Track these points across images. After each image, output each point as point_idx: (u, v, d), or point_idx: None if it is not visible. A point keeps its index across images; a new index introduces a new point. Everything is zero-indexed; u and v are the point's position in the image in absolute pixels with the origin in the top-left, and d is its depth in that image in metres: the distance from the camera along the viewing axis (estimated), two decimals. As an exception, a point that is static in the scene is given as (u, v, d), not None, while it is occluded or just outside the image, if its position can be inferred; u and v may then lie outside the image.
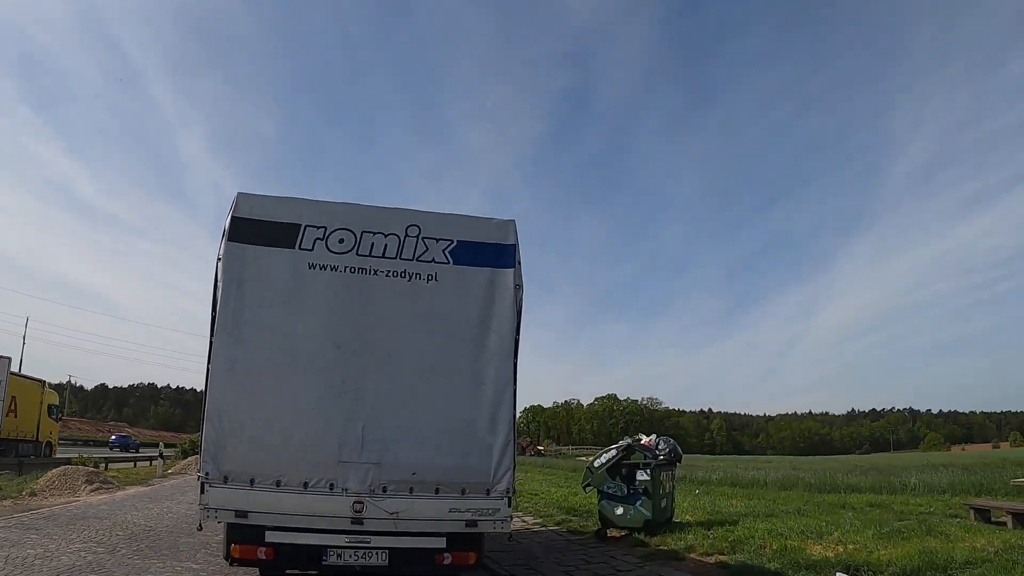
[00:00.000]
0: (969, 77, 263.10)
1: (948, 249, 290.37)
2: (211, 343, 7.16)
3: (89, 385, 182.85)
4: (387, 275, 7.53)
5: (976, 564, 8.62)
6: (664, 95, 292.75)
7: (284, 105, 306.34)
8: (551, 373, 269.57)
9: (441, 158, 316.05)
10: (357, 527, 6.93)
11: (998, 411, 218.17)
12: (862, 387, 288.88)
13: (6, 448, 32.76)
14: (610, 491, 12.50)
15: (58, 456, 36.22)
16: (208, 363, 7.13)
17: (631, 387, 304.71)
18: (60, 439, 45.40)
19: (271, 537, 6.87)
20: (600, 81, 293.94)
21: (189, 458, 40.62)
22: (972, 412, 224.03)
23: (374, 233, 7.61)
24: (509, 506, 7.35)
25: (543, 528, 14.66)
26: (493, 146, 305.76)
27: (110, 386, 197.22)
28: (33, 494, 19.74)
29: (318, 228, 7.52)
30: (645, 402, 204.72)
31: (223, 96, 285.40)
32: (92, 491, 21.37)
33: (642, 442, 13.03)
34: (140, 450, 64.58)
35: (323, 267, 7.43)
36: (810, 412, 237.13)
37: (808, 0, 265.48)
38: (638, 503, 12.16)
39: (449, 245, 7.73)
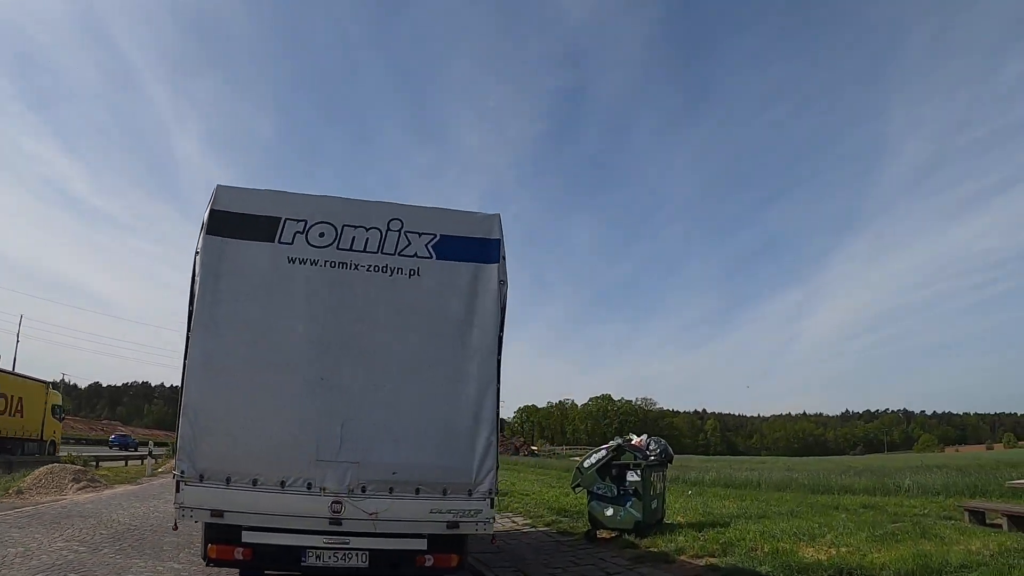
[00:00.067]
0: (966, 79, 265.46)
1: (943, 250, 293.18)
2: (187, 338, 6.99)
3: (83, 384, 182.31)
4: (368, 270, 7.34)
5: (971, 568, 8.46)
6: (661, 95, 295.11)
7: (281, 104, 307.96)
8: (546, 373, 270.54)
9: (438, 157, 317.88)
10: (336, 528, 6.75)
11: (992, 413, 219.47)
12: (856, 388, 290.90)
13: (12, 446, 33.20)
14: (600, 492, 12.32)
15: (61, 455, 36.22)
16: (184, 358, 6.96)
17: (626, 387, 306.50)
18: (62, 438, 45.66)
19: (248, 537, 6.69)
20: (597, 81, 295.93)
21: (178, 457, 40.19)
22: (966, 413, 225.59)
23: (355, 227, 7.42)
24: (492, 507, 7.15)
25: (533, 529, 14.47)
26: (490, 145, 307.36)
27: (104, 385, 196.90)
28: (20, 492, 19.56)
29: (298, 221, 7.33)
30: (639, 402, 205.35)
31: (220, 95, 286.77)
32: (79, 489, 21.22)
33: (632, 442, 12.88)
34: (139, 449, 64.46)
35: (303, 261, 7.24)
36: (804, 413, 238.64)
37: (804, 1, 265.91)
38: (628, 504, 11.99)
39: (432, 239, 7.53)
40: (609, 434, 14.25)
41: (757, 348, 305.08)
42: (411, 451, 7.00)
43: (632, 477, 11.99)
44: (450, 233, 7.61)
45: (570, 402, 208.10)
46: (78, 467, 24.92)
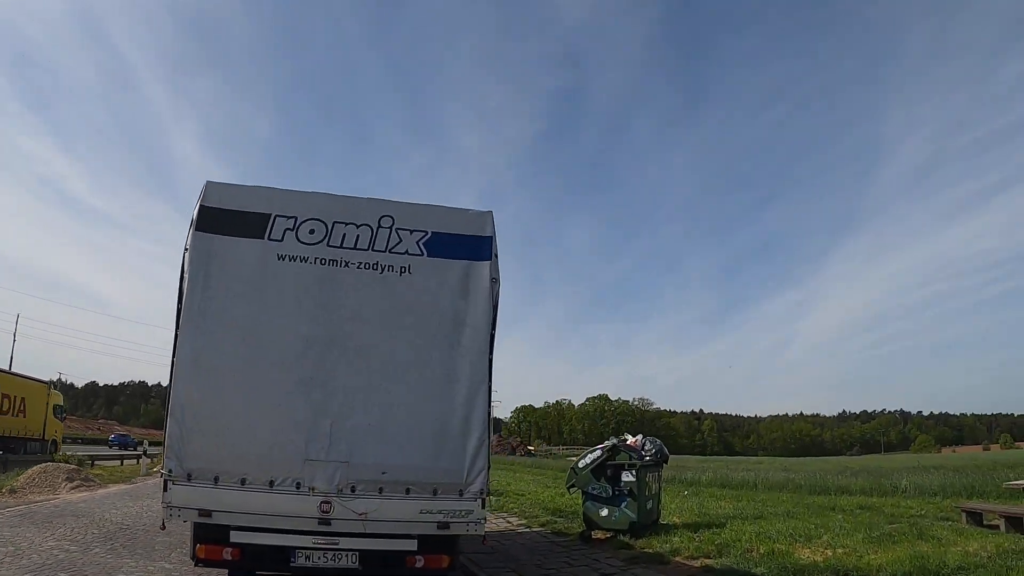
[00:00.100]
0: (963, 79, 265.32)
1: (941, 251, 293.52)
2: (176, 335, 6.91)
3: (79, 383, 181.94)
4: (358, 267, 7.27)
5: (969, 569, 8.39)
6: (659, 95, 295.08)
7: (280, 104, 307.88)
8: (543, 373, 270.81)
9: (436, 157, 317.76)
10: (325, 528, 6.69)
11: (988, 413, 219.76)
12: (853, 389, 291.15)
13: (15, 446, 33.61)
14: (595, 492, 12.23)
15: (63, 454, 36.29)
16: (173, 356, 6.88)
17: (622, 387, 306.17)
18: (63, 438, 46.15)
19: (236, 537, 6.64)
20: (595, 81, 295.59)
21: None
22: (963, 414, 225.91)
23: (346, 224, 7.35)
24: (483, 508, 7.07)
25: (527, 529, 14.39)
26: (488, 145, 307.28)
27: (100, 384, 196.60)
28: (13, 491, 19.53)
29: (288, 218, 7.26)
30: (636, 403, 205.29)
31: (218, 95, 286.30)
32: (72, 488, 21.16)
33: (628, 442, 12.77)
34: (139, 448, 64.63)
35: (293, 258, 7.18)
36: (801, 413, 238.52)
37: (803, 1, 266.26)
38: (623, 505, 11.90)
39: (423, 236, 7.46)
40: (606, 434, 14.21)
41: (754, 348, 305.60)
42: (401, 451, 6.93)
43: (627, 477, 11.89)
44: (442, 230, 7.53)
45: (567, 402, 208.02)
46: (72, 466, 24.86)
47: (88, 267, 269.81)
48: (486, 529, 13.65)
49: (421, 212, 7.62)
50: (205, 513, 6.54)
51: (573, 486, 12.82)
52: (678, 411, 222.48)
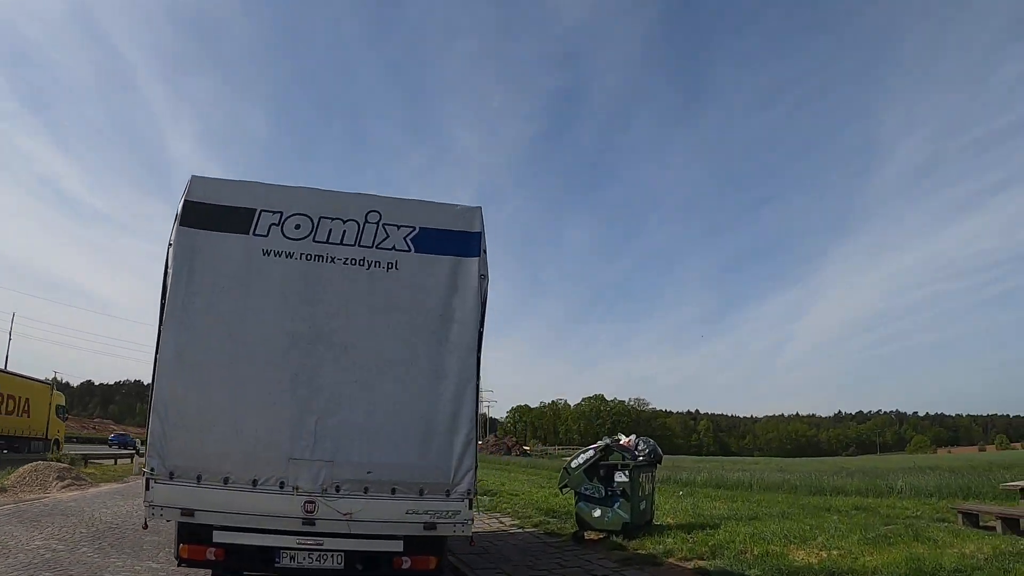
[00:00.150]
0: (961, 80, 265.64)
1: (938, 252, 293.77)
2: (159, 331, 6.80)
3: (75, 382, 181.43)
4: (345, 263, 7.16)
5: (966, 572, 8.31)
6: (657, 95, 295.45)
7: (277, 103, 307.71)
8: (539, 373, 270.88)
9: (433, 156, 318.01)
10: (309, 528, 6.58)
11: (984, 414, 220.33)
12: (849, 389, 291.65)
13: (20, 444, 34.94)
14: (587, 493, 12.12)
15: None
16: (156, 352, 6.77)
17: (619, 387, 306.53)
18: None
19: (219, 537, 6.54)
20: (593, 81, 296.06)
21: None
22: (958, 415, 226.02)
23: (332, 219, 7.25)
24: (470, 508, 6.94)
25: (520, 530, 14.28)
26: (486, 145, 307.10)
27: (96, 383, 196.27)
28: (3, 490, 19.54)
29: (274, 213, 7.17)
30: (632, 403, 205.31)
31: (216, 94, 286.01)
32: (63, 487, 21.13)
33: (621, 442, 12.69)
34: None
35: (278, 254, 7.08)
36: (797, 414, 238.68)
37: (799, 5, 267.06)
38: (616, 505, 11.78)
39: (411, 232, 7.35)
40: (602, 434, 14.18)
41: (751, 349, 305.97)
42: (387, 450, 6.81)
43: (620, 478, 11.77)
44: (429, 226, 7.42)
45: (563, 402, 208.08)
46: (63, 465, 24.81)
47: (85, 266, 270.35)
48: (478, 529, 13.68)
49: (409, 207, 7.51)
50: (188, 512, 6.44)
51: (566, 486, 12.70)
52: (674, 411, 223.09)
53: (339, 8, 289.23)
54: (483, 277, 7.37)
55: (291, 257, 7.08)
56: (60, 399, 43.50)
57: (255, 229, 7.09)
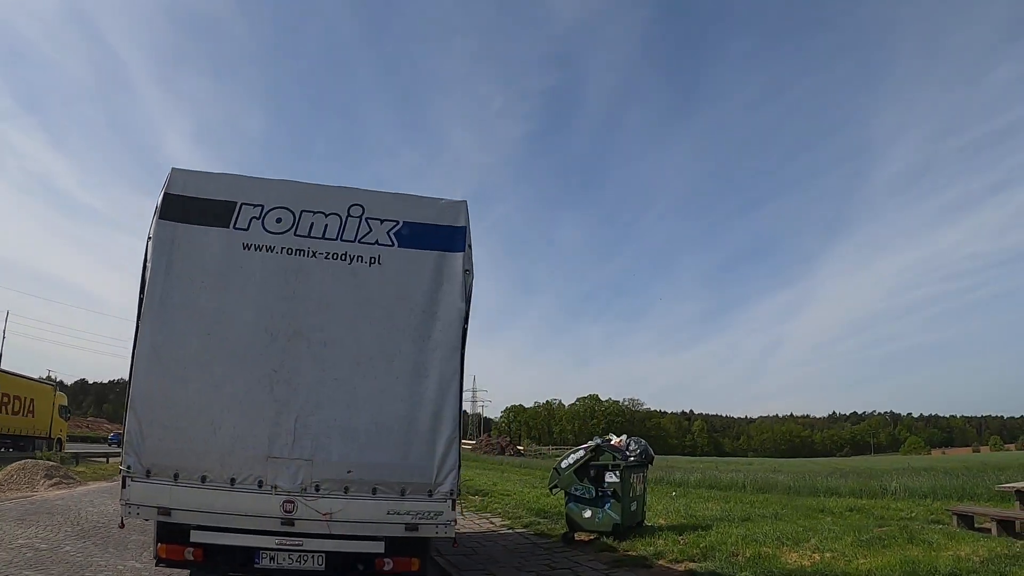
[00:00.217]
0: (956, 82, 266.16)
1: (930, 254, 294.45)
2: (136, 327, 6.65)
3: (69, 380, 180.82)
4: (326, 257, 7.01)
5: (961, 575, 8.18)
6: (651, 95, 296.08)
7: (272, 102, 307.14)
8: (533, 373, 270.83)
9: (428, 155, 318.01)
10: (288, 528, 6.44)
11: (978, 415, 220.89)
12: (843, 390, 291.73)
13: (25, 443, 35.51)
14: (578, 493, 11.95)
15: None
16: (133, 348, 6.62)
17: (613, 388, 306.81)
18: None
19: (197, 537, 6.41)
20: (588, 80, 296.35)
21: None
22: (952, 416, 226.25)
23: (314, 212, 7.10)
24: (453, 509, 6.78)
25: (510, 531, 14.10)
26: (480, 144, 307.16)
27: (90, 382, 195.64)
28: (-11, 488, 19.17)
29: (255, 206, 7.02)
30: (626, 403, 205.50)
31: (210, 92, 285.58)
32: (51, 486, 20.81)
33: (612, 442, 12.51)
34: None
35: (258, 248, 6.92)
36: (791, 415, 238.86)
37: (795, 5, 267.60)
38: (607, 506, 11.62)
39: (394, 226, 7.19)
40: (596, 434, 14.04)
41: (744, 350, 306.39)
42: (368, 449, 6.65)
43: (611, 478, 11.61)
44: (414, 220, 7.27)
45: (557, 402, 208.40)
46: (51, 463, 24.54)
47: (79, 264, 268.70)
48: (469, 530, 13.53)
49: (392, 201, 7.36)
50: (164, 511, 6.31)
51: (556, 487, 12.53)
52: (668, 412, 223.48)
53: (334, 7, 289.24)
54: (468, 272, 7.23)
55: (272, 251, 6.93)
56: (62, 399, 44.17)
57: (235, 222, 6.95)
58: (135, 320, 6.72)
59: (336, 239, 7.06)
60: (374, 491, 6.57)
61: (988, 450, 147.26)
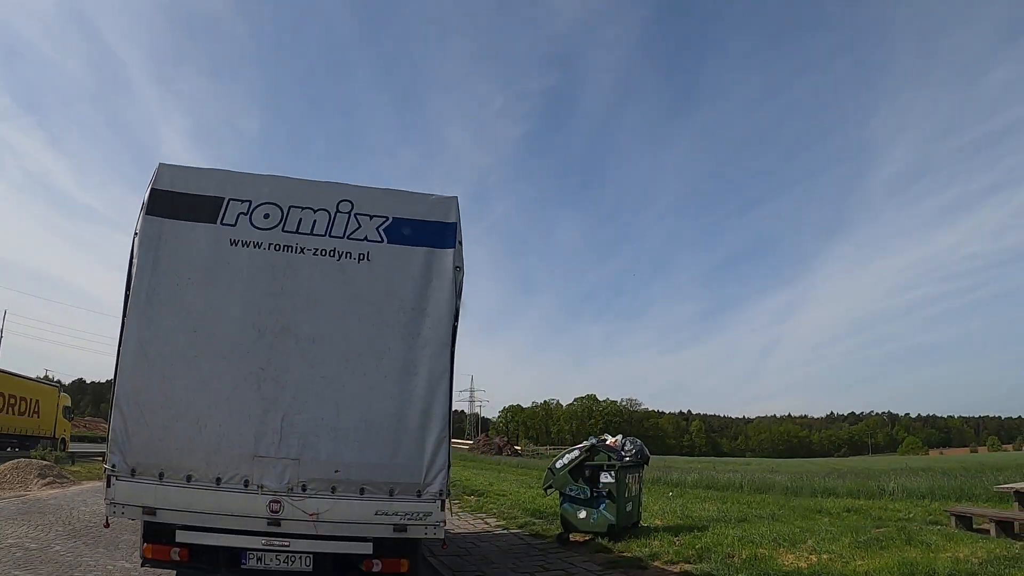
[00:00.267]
0: (951, 86, 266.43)
1: (928, 255, 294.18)
2: (122, 324, 6.58)
3: (66, 380, 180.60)
4: (315, 254, 6.93)
5: (960, 577, 8.07)
6: (649, 95, 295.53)
7: (270, 101, 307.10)
8: (531, 373, 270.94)
9: (425, 155, 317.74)
10: (274, 528, 6.34)
11: (976, 415, 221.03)
12: (841, 390, 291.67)
13: (30, 444, 35.52)
14: (573, 494, 11.84)
15: (70, 451, 38.94)
16: (119, 345, 6.54)
17: (611, 388, 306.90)
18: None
19: (182, 537, 6.31)
20: (586, 80, 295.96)
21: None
22: (950, 416, 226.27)
23: (302, 208, 7.02)
24: (442, 509, 6.67)
25: (505, 531, 14.01)
26: (478, 143, 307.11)
27: (88, 381, 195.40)
28: (-18, 488, 19.11)
29: (242, 202, 6.94)
30: (624, 403, 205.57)
31: (208, 91, 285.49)
32: (44, 485, 20.71)
33: (607, 442, 12.45)
34: None
35: (246, 244, 6.85)
36: (789, 415, 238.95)
37: (793, 7, 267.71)
38: (602, 507, 11.53)
39: (384, 222, 7.11)
40: (594, 434, 13.99)
41: (742, 350, 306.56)
42: (355, 448, 6.55)
43: (606, 479, 11.52)
44: (403, 216, 7.19)
45: (555, 402, 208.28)
46: (45, 462, 24.44)
47: (77, 263, 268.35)
48: (463, 530, 13.43)
49: (382, 197, 7.27)
50: (149, 511, 6.23)
51: (550, 487, 12.43)
52: (666, 412, 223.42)
53: (334, 7, 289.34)
54: (458, 269, 7.14)
55: (259, 247, 6.86)
56: (66, 400, 45.12)
57: (223, 218, 6.88)
58: (121, 317, 6.63)
59: (325, 235, 6.98)
60: (362, 491, 6.48)
61: (986, 450, 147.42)
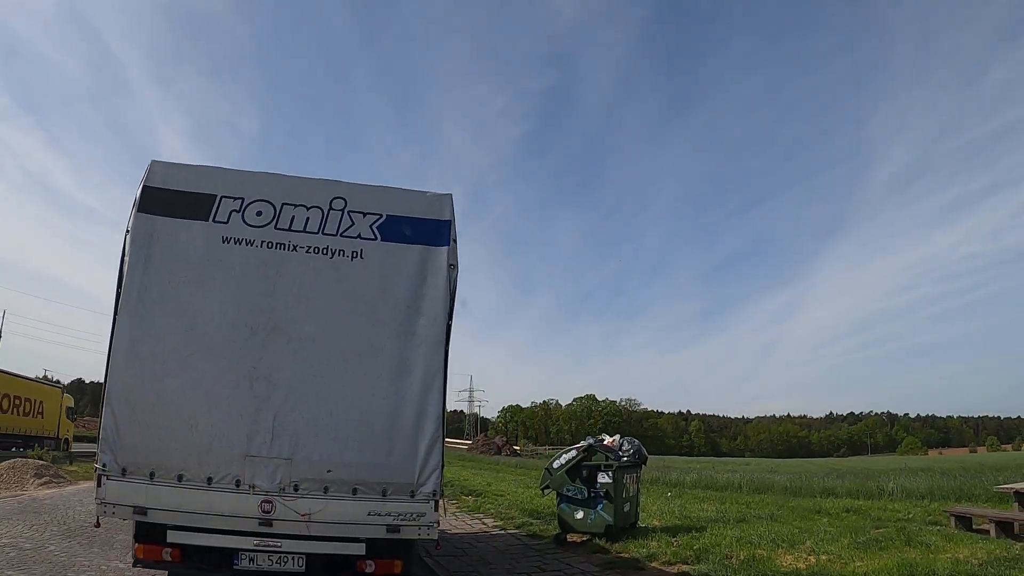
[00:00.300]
0: (950, 86, 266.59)
1: (927, 255, 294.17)
2: (114, 322, 6.53)
3: (65, 380, 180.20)
4: (308, 251, 6.87)
5: (959, 578, 8.00)
6: (648, 96, 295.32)
7: (269, 101, 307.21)
8: (531, 373, 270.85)
9: (425, 156, 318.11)
10: (266, 529, 6.30)
11: (975, 415, 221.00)
12: (840, 390, 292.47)
13: (35, 444, 35.83)
14: (570, 494, 11.77)
15: (72, 451, 40.27)
16: (110, 343, 6.49)
17: (610, 387, 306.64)
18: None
19: (173, 537, 6.28)
20: (583, 83, 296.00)
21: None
22: (949, 416, 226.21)
23: (295, 205, 6.97)
24: (436, 510, 6.62)
25: (502, 531, 13.94)
26: (477, 144, 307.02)
27: (87, 381, 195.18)
28: (-22, 488, 19.11)
29: (235, 199, 6.89)
30: (623, 403, 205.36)
31: (207, 91, 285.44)
32: (41, 485, 20.75)
33: (605, 442, 12.37)
34: None
35: (238, 241, 6.79)
36: (788, 415, 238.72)
37: (792, 7, 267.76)
38: (599, 507, 11.46)
39: (377, 220, 7.05)
40: (592, 434, 13.94)
41: (742, 350, 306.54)
42: (348, 448, 6.50)
43: (603, 479, 11.46)
44: (397, 213, 7.13)
45: (554, 402, 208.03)
46: (42, 462, 24.43)
47: (76, 263, 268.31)
48: (460, 531, 13.37)
49: (376, 194, 7.22)
50: (140, 511, 6.20)
51: (547, 487, 12.35)
52: (665, 412, 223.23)
53: (333, 7, 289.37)
54: (453, 267, 7.08)
55: (251, 245, 6.80)
56: (69, 401, 46.00)
57: (215, 216, 6.83)
58: (112, 315, 6.59)
59: (318, 232, 6.93)
60: (354, 491, 6.43)
61: (985, 451, 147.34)
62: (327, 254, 6.87)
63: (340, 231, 6.94)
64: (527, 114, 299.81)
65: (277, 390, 6.50)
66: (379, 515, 6.42)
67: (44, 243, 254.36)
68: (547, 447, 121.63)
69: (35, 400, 39.11)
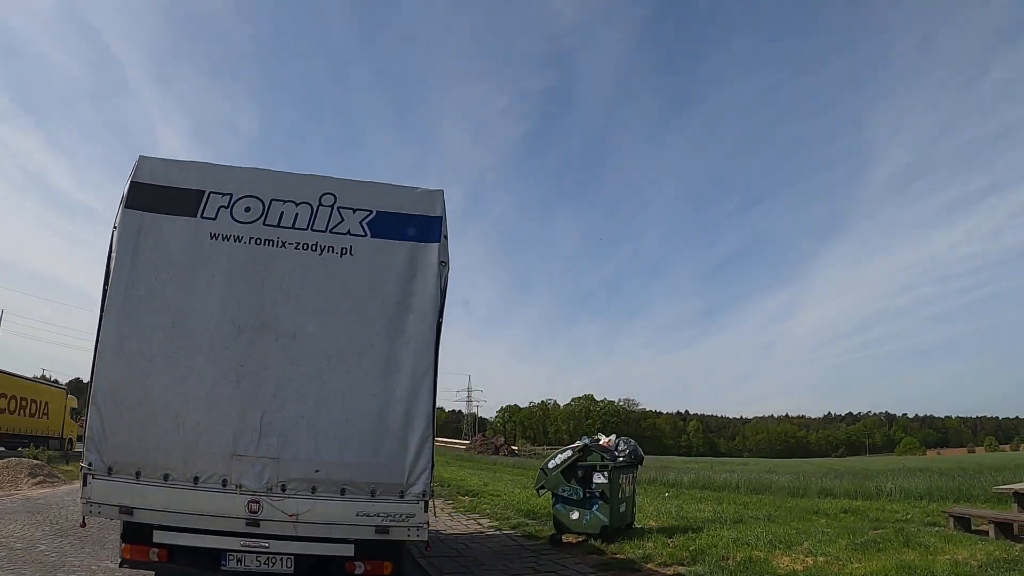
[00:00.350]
0: (949, 86, 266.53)
1: (926, 255, 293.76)
2: (100, 319, 6.46)
3: (64, 379, 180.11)
4: (296, 248, 6.80)
5: (958, 580, 7.91)
6: (647, 96, 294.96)
7: (268, 100, 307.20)
8: (529, 373, 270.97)
9: (424, 156, 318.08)
10: (253, 529, 6.21)
11: (973, 416, 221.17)
12: (839, 390, 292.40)
13: (40, 444, 36.49)
14: (565, 494, 11.70)
15: (77, 451, 39.70)
16: (96, 341, 6.41)
17: (609, 387, 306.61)
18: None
19: (160, 537, 6.20)
20: (583, 83, 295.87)
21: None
22: (948, 416, 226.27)
23: (284, 201, 6.91)
24: (426, 511, 6.52)
25: (497, 532, 13.85)
26: (477, 144, 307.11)
27: (85, 381, 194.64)
28: (-28, 488, 19.11)
29: (223, 195, 6.84)
30: (622, 403, 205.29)
31: (207, 90, 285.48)
32: (35, 484, 20.81)
33: (600, 442, 12.26)
34: None
35: (226, 238, 6.73)
36: (787, 415, 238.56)
37: (792, 7, 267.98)
38: (595, 508, 11.36)
39: (367, 216, 6.97)
40: (587, 434, 13.86)
41: (740, 350, 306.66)
42: (336, 447, 6.43)
43: (599, 479, 11.36)
44: (387, 209, 7.05)
45: (552, 402, 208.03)
46: (36, 461, 24.44)
47: (74, 263, 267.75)
48: (455, 531, 13.27)
49: (366, 190, 7.15)
50: (126, 510, 6.14)
51: (543, 487, 12.28)
52: (664, 412, 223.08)
53: (333, 6, 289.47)
54: (443, 264, 7.01)
55: (240, 241, 6.74)
56: (73, 402, 47.00)
57: (203, 212, 6.77)
58: (99, 312, 6.52)
59: (307, 229, 6.86)
60: (343, 491, 6.35)
61: (983, 451, 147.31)
62: (316, 250, 6.80)
63: (329, 227, 6.87)
64: (527, 114, 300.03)
65: (265, 388, 6.43)
66: (368, 516, 6.34)
67: (44, 243, 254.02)
68: (545, 447, 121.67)
69: (40, 401, 40.09)
